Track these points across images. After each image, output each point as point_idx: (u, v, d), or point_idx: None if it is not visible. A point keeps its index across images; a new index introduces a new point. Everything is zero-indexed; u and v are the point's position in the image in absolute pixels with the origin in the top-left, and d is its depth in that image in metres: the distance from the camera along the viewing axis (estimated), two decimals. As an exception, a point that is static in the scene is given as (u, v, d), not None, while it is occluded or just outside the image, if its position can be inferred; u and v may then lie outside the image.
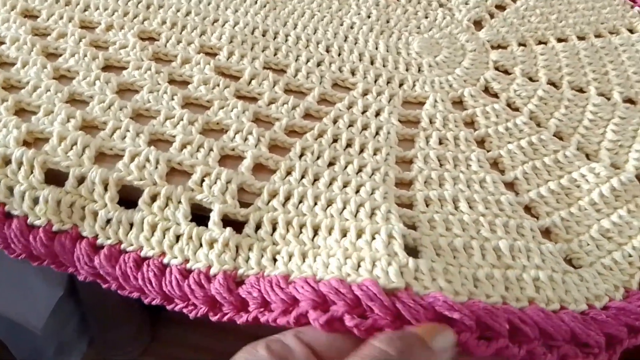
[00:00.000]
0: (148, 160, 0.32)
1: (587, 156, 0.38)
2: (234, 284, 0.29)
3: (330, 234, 0.30)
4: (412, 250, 0.30)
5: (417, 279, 0.28)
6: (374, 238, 0.29)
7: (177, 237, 0.30)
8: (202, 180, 0.32)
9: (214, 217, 0.31)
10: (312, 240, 0.30)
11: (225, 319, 0.29)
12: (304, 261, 0.29)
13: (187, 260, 0.30)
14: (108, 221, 0.31)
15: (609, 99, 0.43)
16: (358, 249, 0.29)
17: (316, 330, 0.25)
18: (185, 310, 0.30)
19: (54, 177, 0.32)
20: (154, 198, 0.31)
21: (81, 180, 0.32)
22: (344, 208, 0.31)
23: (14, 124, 0.33)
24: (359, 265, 0.28)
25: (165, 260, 0.30)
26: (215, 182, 0.32)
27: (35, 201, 0.31)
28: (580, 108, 0.42)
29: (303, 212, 0.31)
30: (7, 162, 0.32)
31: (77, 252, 0.30)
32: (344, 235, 0.30)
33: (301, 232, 0.31)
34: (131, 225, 0.31)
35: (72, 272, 0.32)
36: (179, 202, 0.31)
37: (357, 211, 0.31)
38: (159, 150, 0.33)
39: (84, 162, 0.32)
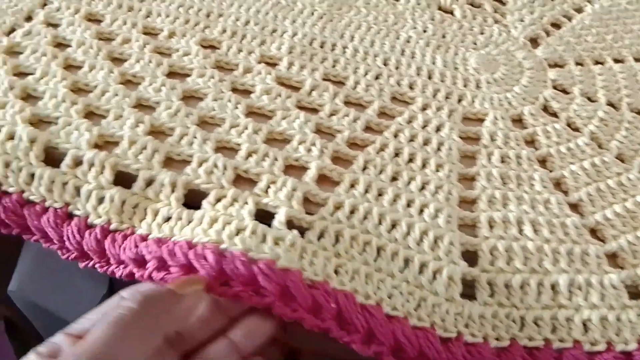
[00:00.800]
0: (216, 166, 0.33)
1: (651, 180, 0.38)
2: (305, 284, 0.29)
3: (393, 260, 0.31)
4: (469, 284, 0.31)
5: (467, 325, 0.30)
6: (435, 277, 0.30)
7: (238, 231, 0.30)
8: (268, 187, 0.32)
9: (280, 218, 0.31)
10: (375, 261, 0.31)
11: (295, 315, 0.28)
12: (367, 283, 0.30)
13: (248, 250, 0.28)
14: (167, 219, 0.31)
15: (669, 122, 0.42)
16: (419, 285, 0.30)
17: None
18: (245, 295, 0.28)
19: (119, 180, 0.33)
20: (218, 199, 0.31)
21: (149, 182, 0.32)
22: (408, 233, 0.31)
23: (85, 127, 0.33)
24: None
25: (222, 247, 0.29)
26: (281, 189, 0.32)
27: (100, 201, 0.32)
28: (641, 130, 0.41)
29: (368, 229, 0.31)
30: (78, 163, 0.32)
31: (127, 242, 0.30)
32: (406, 264, 0.31)
33: (365, 251, 0.31)
34: (189, 222, 0.31)
35: (112, 272, 0.32)
36: (245, 202, 0.31)
37: (421, 239, 0.31)
38: (226, 158, 0.33)
39: (153, 166, 0.32)
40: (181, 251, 0.28)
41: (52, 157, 0.33)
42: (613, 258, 0.33)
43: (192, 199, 0.32)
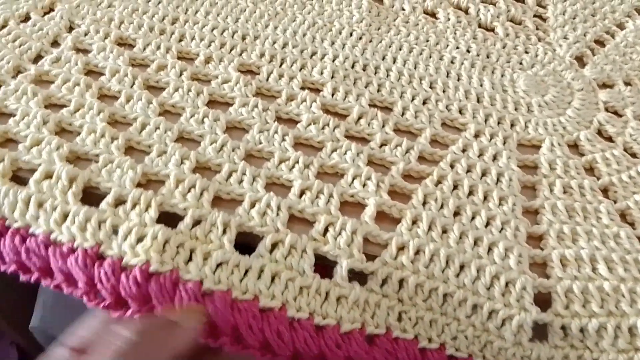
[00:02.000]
0: (269, 207, 0.30)
1: None
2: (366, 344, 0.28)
3: (460, 305, 0.29)
4: (541, 328, 0.29)
5: None
6: (503, 324, 0.29)
7: (301, 289, 0.29)
8: (326, 230, 0.30)
9: (342, 272, 0.29)
10: (441, 307, 0.29)
11: None
12: (431, 327, 0.28)
13: (312, 315, 0.28)
14: (220, 265, 0.29)
15: None
16: (489, 332, 0.29)
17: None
18: None
19: (163, 221, 0.30)
20: (274, 245, 0.30)
21: (197, 222, 0.30)
22: (477, 278, 0.29)
23: (128, 165, 0.31)
24: None
25: (289, 314, 0.28)
26: (340, 233, 0.30)
27: (140, 240, 0.29)
28: (700, 155, 0.39)
29: (434, 274, 0.29)
30: (120, 202, 0.30)
31: (181, 294, 0.28)
32: (474, 311, 0.29)
33: (430, 297, 0.29)
34: (246, 271, 0.29)
35: None
36: (304, 251, 0.29)
37: (492, 284, 0.29)
38: (279, 197, 0.31)
39: (202, 205, 0.30)
40: (257, 327, 0.27)
41: (91, 198, 0.31)
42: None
43: (242, 239, 0.30)
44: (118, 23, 0.41)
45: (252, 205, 0.31)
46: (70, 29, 0.41)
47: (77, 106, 0.35)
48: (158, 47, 0.40)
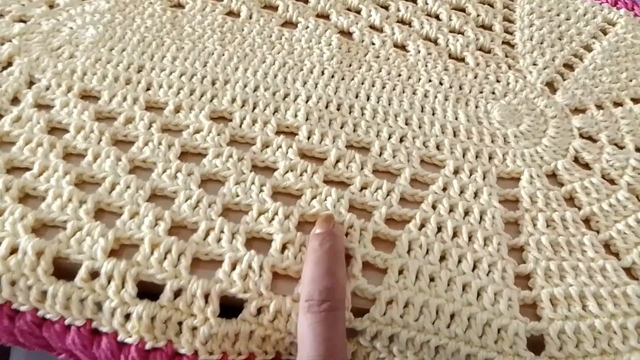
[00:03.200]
0: (251, 268, 0.29)
1: (696, 232, 0.36)
2: None
3: (452, 356, 0.28)
4: None
5: None
6: None
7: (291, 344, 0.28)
8: (312, 288, 0.29)
9: None
10: (433, 359, 0.28)
11: None
12: None
13: None
14: (211, 336, 0.28)
15: (700, 165, 0.41)
16: None
17: None
18: None
19: (143, 288, 0.29)
20: (259, 310, 0.28)
21: (178, 292, 0.28)
22: (469, 326, 0.29)
23: (99, 232, 0.30)
24: None
25: None
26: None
27: (127, 317, 0.28)
28: (675, 177, 0.40)
29: (424, 326, 0.29)
30: (94, 274, 0.29)
31: None
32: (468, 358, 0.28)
33: (421, 350, 0.28)
34: (236, 336, 0.28)
35: None
36: (289, 315, 0.28)
37: (484, 332, 0.29)
38: (261, 255, 0.30)
39: (180, 273, 0.29)
40: None
41: (62, 268, 0.29)
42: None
43: (227, 301, 0.29)
44: (81, 75, 0.40)
45: (233, 267, 0.29)
46: (31, 84, 0.39)
47: (41, 169, 0.33)
48: (125, 98, 0.38)
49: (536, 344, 0.30)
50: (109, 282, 0.28)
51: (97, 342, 0.28)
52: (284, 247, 0.31)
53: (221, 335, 0.28)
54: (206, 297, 0.28)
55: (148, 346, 0.28)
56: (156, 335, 0.28)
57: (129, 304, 0.28)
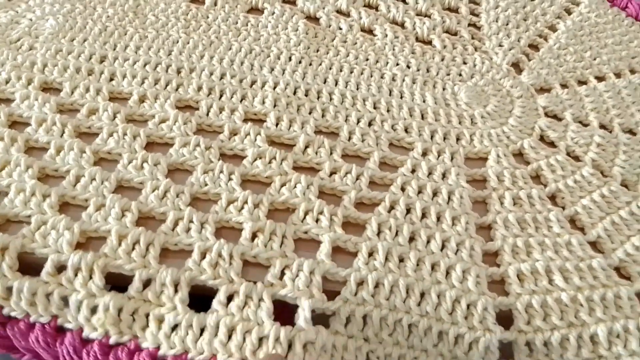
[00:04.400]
0: (220, 256, 0.29)
1: (658, 205, 0.37)
2: None
3: (425, 334, 0.28)
4: (506, 346, 0.29)
5: None
6: (470, 347, 0.28)
7: (260, 340, 0.27)
8: (283, 273, 0.29)
9: (305, 314, 0.28)
10: (407, 339, 0.28)
11: None
12: None
13: None
14: (175, 327, 0.27)
15: (661, 139, 0.42)
16: (455, 357, 0.28)
17: None
18: None
19: (111, 280, 0.29)
20: (230, 297, 0.28)
21: (147, 282, 0.28)
22: (439, 304, 0.29)
23: (64, 225, 0.29)
24: None
25: None
26: (298, 275, 0.29)
27: (94, 310, 0.28)
28: (638, 152, 0.41)
29: (396, 305, 0.29)
30: (60, 268, 0.28)
31: None
32: (440, 338, 0.29)
33: (395, 331, 0.29)
34: (202, 330, 0.27)
35: None
36: (261, 299, 0.28)
37: (454, 308, 0.29)
38: (230, 243, 0.30)
39: (149, 263, 0.28)
40: None
41: (28, 263, 0.29)
42: (642, 296, 0.32)
43: (198, 291, 0.29)
44: (41, 67, 0.39)
45: (203, 255, 0.29)
46: (-10, 77, 0.38)
47: (2, 164, 0.32)
48: (87, 90, 0.38)
49: (505, 319, 0.30)
50: (75, 274, 0.28)
51: (60, 339, 0.27)
52: (254, 236, 0.31)
53: (186, 327, 0.27)
54: (176, 286, 0.28)
55: (112, 341, 0.27)
56: (122, 329, 0.27)
57: (96, 295, 0.27)
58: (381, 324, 0.28)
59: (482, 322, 0.29)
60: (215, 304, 0.28)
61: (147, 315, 0.28)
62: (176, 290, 0.28)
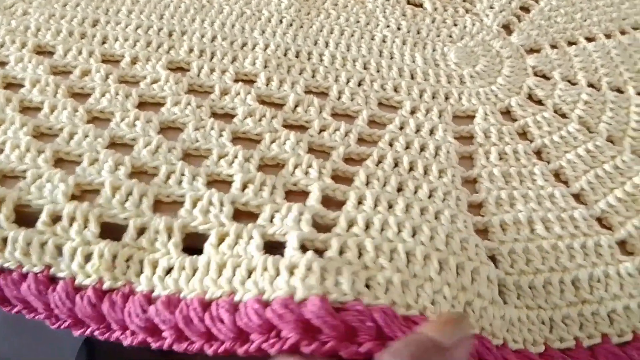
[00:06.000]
0: (211, 204, 0.30)
1: (643, 159, 0.38)
2: (332, 309, 0.25)
3: (426, 263, 0.28)
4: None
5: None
6: (474, 279, 0.28)
7: (249, 272, 0.27)
8: (272, 217, 0.30)
9: (292, 243, 0.27)
10: (407, 267, 0.27)
11: (329, 347, 0.25)
12: (404, 292, 0.26)
13: (262, 293, 0.26)
14: (169, 271, 0.28)
15: (648, 97, 0.43)
16: (460, 288, 0.28)
17: None
18: (266, 345, 0.26)
19: (106, 232, 0.30)
20: (221, 239, 0.29)
21: (141, 231, 0.29)
22: (432, 237, 0.29)
23: (59, 177, 0.30)
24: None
25: (236, 298, 0.26)
26: (287, 216, 0.30)
27: (87, 258, 0.28)
28: (624, 109, 0.41)
29: (389, 238, 0.29)
30: (56, 219, 0.29)
31: (129, 305, 0.27)
32: (442, 267, 0.28)
33: (393, 258, 0.28)
34: (194, 271, 0.28)
35: (117, 339, 0.29)
36: (251, 237, 0.29)
37: (448, 243, 0.29)
38: (221, 192, 0.30)
39: (143, 212, 0.29)
40: (197, 317, 0.25)
41: (24, 216, 0.30)
42: (623, 245, 0.33)
43: (192, 242, 0.30)
44: (35, 31, 0.39)
45: (194, 204, 0.30)
46: (-16, 41, 0.39)
47: (-2, 122, 0.33)
48: (80, 52, 0.38)
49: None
50: (70, 224, 0.29)
51: (52, 287, 0.28)
52: (244, 186, 0.31)
53: (179, 269, 0.28)
54: (169, 233, 0.29)
55: (106, 286, 0.27)
56: (116, 274, 0.28)
57: (90, 243, 0.28)
58: (377, 252, 0.28)
59: (478, 256, 0.29)
60: (207, 246, 0.28)
61: (142, 262, 0.28)
62: (169, 237, 0.29)
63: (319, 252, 0.28)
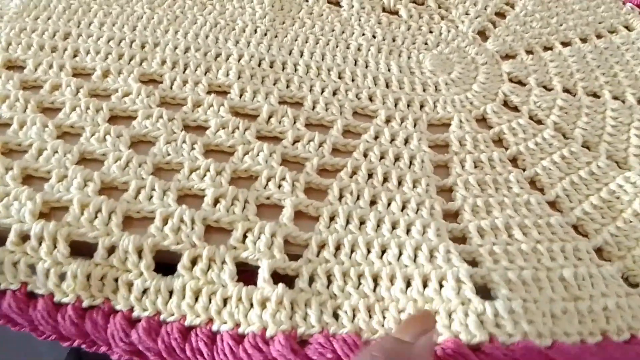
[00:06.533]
0: (182, 221, 0.30)
1: (618, 164, 0.38)
2: (297, 345, 0.27)
3: (392, 283, 0.29)
4: (481, 289, 0.29)
5: (498, 326, 0.26)
6: (441, 285, 0.28)
7: (225, 301, 0.28)
8: (245, 237, 0.30)
9: (264, 273, 0.28)
10: (374, 291, 0.29)
11: None
12: (370, 317, 0.28)
13: (238, 325, 0.27)
14: (145, 291, 0.28)
15: (623, 101, 0.43)
16: (428, 299, 0.28)
17: None
18: None
19: (78, 248, 0.29)
20: (194, 261, 0.29)
21: (111, 250, 0.29)
22: (401, 253, 0.30)
23: (26, 195, 0.29)
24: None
25: (214, 328, 0.27)
26: (259, 237, 0.30)
27: (62, 277, 0.28)
28: (600, 114, 0.41)
29: (358, 261, 0.29)
30: (25, 238, 0.29)
31: (111, 327, 0.28)
32: (408, 284, 0.29)
33: (360, 283, 0.29)
34: (170, 293, 0.28)
35: (105, 352, 0.29)
36: (224, 262, 0.29)
37: (416, 255, 0.29)
38: (192, 209, 0.30)
39: (112, 230, 0.29)
40: (179, 347, 0.26)
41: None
42: (600, 252, 0.33)
43: (163, 258, 0.29)
44: (5, 45, 0.39)
45: (165, 221, 0.30)
46: (-48, 56, 0.38)
47: (-36, 139, 0.32)
48: (50, 66, 0.38)
49: (473, 265, 0.30)
50: (39, 243, 0.28)
51: (33, 305, 0.28)
52: (216, 201, 0.31)
53: (155, 291, 0.28)
54: (140, 252, 0.29)
55: (85, 304, 0.28)
56: (93, 293, 0.28)
57: (62, 263, 0.28)
58: (345, 278, 0.29)
59: (447, 263, 0.29)
60: (180, 268, 0.28)
61: (116, 280, 0.28)
62: (140, 257, 0.28)
63: (290, 278, 0.29)
